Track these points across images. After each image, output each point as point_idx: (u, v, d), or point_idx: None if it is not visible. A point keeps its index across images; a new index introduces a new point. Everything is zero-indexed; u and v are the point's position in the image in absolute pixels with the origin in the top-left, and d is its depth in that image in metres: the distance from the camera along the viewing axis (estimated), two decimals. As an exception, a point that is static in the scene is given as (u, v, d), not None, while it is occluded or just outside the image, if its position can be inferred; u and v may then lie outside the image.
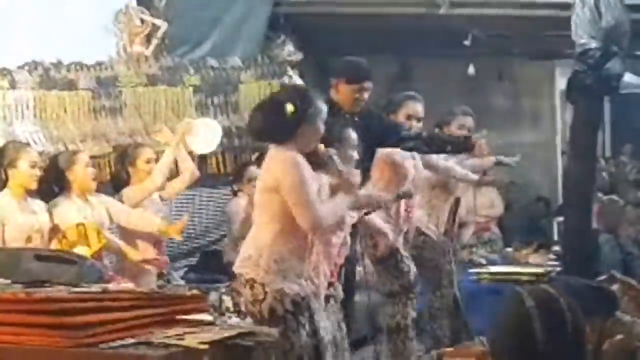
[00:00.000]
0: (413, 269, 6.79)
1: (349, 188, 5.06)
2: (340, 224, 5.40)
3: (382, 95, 7.19)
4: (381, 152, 6.48)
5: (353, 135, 5.56)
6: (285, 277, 4.82)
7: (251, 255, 4.87)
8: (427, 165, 7.05)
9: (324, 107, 4.96)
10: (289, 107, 4.80)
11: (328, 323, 5.19)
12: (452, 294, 7.40)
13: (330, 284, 5.46)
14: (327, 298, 5.43)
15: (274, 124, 4.84)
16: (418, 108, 6.88)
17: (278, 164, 4.81)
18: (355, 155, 5.50)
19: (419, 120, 6.83)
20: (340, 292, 5.63)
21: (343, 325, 5.66)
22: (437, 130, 7.37)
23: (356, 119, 6.14)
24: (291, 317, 4.81)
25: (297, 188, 4.74)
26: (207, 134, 7.39)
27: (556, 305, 2.41)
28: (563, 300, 2.43)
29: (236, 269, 4.96)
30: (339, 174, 5.04)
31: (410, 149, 6.57)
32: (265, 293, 4.80)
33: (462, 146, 6.74)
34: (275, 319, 4.76)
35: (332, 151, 5.08)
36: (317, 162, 5.00)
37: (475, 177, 7.73)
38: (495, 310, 2.57)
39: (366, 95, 6.19)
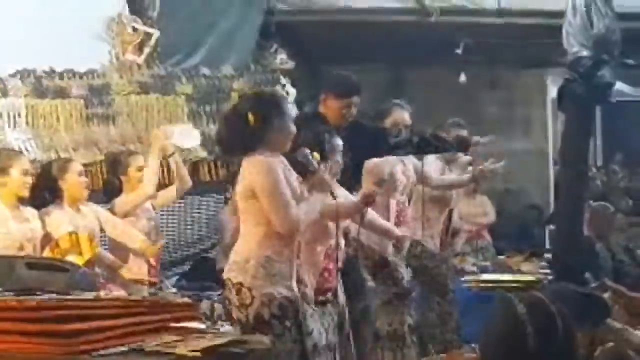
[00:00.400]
0: (407, 276, 6.79)
1: (323, 187, 5.10)
2: (325, 232, 5.41)
3: (374, 104, 7.21)
4: (368, 163, 6.46)
5: (339, 142, 5.57)
6: (273, 281, 4.84)
7: (238, 261, 4.89)
8: (421, 179, 7.02)
9: (290, 109, 5.01)
10: (251, 117, 4.82)
11: (321, 328, 5.20)
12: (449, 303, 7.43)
13: (327, 290, 5.47)
14: (324, 303, 5.44)
15: (240, 134, 4.86)
16: (405, 115, 6.90)
17: (251, 170, 4.83)
18: (340, 161, 5.52)
19: (406, 127, 6.83)
20: (340, 297, 5.61)
21: (345, 330, 5.63)
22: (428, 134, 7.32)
23: (342, 132, 6.13)
24: (277, 321, 4.82)
25: (270, 192, 4.77)
26: (187, 132, 7.37)
27: (547, 311, 2.42)
28: (554, 306, 2.44)
29: (224, 274, 4.98)
30: (314, 173, 5.09)
31: (401, 155, 6.57)
32: (253, 297, 4.82)
33: (457, 147, 6.73)
34: (261, 323, 4.77)
35: (306, 150, 5.11)
36: (293, 162, 5.02)
37: (467, 175, 7.64)
38: (486, 317, 2.57)
39: (354, 110, 6.17)
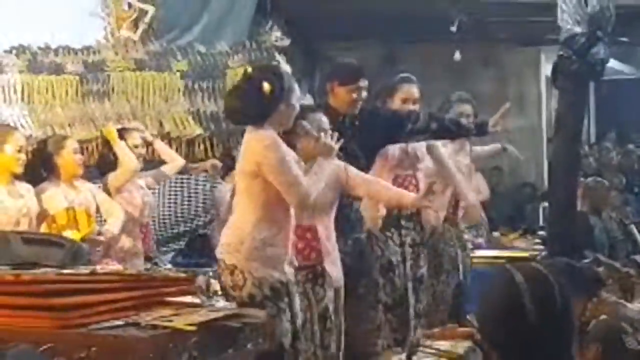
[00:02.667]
0: (393, 250, 6.71)
1: (328, 151, 5.10)
2: (332, 203, 5.42)
3: (370, 80, 7.17)
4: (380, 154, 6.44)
5: (324, 119, 5.53)
6: (265, 264, 4.83)
7: (232, 242, 4.88)
8: (434, 159, 6.96)
9: (296, 86, 4.98)
10: (267, 87, 4.79)
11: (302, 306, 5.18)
12: (456, 279, 7.33)
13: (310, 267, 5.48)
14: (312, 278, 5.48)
15: (252, 105, 4.82)
16: (413, 90, 6.69)
17: (256, 146, 4.79)
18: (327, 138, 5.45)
19: (414, 102, 6.64)
20: (333, 275, 5.60)
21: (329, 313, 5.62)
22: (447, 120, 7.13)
23: (357, 122, 6.06)
24: (270, 303, 4.82)
25: (280, 167, 4.75)
26: None
27: (545, 281, 2.43)
28: (552, 277, 2.46)
29: (217, 254, 4.97)
30: (316, 140, 5.09)
31: (419, 141, 6.49)
32: (245, 279, 4.81)
33: (476, 132, 6.63)
34: (254, 305, 4.75)
35: (303, 122, 5.13)
36: (292, 134, 5.04)
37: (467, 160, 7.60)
38: (483, 288, 2.57)
39: (363, 93, 6.05)
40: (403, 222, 6.76)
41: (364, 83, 6.04)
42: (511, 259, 7.88)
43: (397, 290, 6.67)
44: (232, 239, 4.89)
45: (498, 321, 2.41)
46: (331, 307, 5.53)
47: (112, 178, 6.92)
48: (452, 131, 6.48)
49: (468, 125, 6.65)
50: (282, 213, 4.88)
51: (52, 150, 6.45)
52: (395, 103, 6.60)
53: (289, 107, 4.89)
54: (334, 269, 5.54)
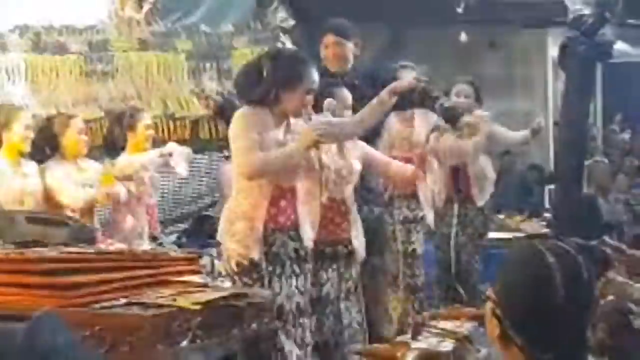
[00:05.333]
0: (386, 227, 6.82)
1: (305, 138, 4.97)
2: (317, 181, 5.37)
3: (375, 62, 7.18)
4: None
5: (347, 94, 5.57)
6: (232, 239, 4.88)
7: (222, 216, 5.04)
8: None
9: (313, 78, 4.93)
10: (265, 73, 4.84)
11: (295, 290, 5.08)
12: (448, 257, 7.42)
13: (334, 242, 5.52)
14: (332, 257, 5.48)
15: (251, 84, 4.90)
16: (411, 76, 6.68)
17: (233, 120, 4.91)
18: (348, 114, 5.49)
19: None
20: (358, 249, 5.62)
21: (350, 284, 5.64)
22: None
23: (345, 79, 6.15)
24: (237, 278, 4.86)
25: (235, 138, 4.83)
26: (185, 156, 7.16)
27: (575, 262, 2.41)
28: (580, 256, 2.44)
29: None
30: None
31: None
32: (220, 252, 5.00)
33: (444, 115, 6.57)
34: (224, 277, 4.94)
35: (328, 99, 5.15)
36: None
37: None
38: (505, 268, 2.52)
39: (356, 51, 6.27)
40: (396, 203, 7.04)
41: (355, 40, 6.29)
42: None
43: (389, 266, 6.83)
44: (223, 213, 5.03)
45: (525, 299, 2.38)
46: (355, 283, 5.62)
47: (122, 166, 6.79)
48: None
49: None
50: (256, 189, 4.87)
51: (57, 130, 6.44)
52: None
53: (293, 96, 4.86)
54: (357, 242, 5.61)
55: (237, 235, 4.86)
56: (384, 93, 5.21)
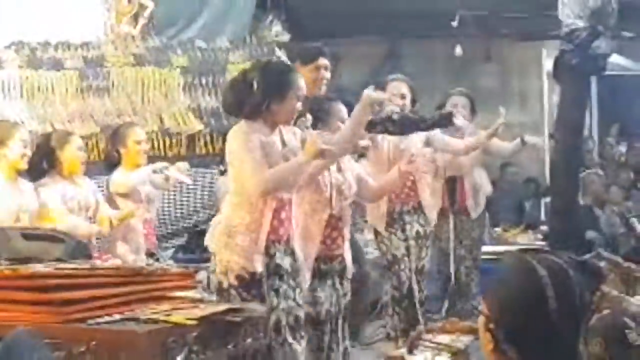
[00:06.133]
0: (396, 244, 6.81)
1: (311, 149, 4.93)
2: (322, 201, 5.41)
3: (371, 76, 7.20)
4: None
5: (342, 108, 5.57)
6: (233, 251, 4.85)
7: (214, 228, 5.01)
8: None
9: (300, 84, 4.95)
10: (255, 84, 4.83)
11: (292, 303, 5.08)
12: (446, 270, 7.43)
13: (331, 258, 5.50)
14: (327, 273, 5.48)
15: (241, 99, 4.87)
16: (401, 86, 6.96)
17: (231, 136, 4.88)
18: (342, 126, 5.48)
19: (403, 97, 6.89)
20: (348, 264, 5.62)
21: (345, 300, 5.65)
22: (436, 112, 7.23)
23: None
24: (235, 292, 4.82)
25: (241, 155, 4.79)
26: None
27: (566, 275, 2.42)
28: (572, 270, 2.45)
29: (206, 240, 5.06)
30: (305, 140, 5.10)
31: (380, 132, 6.46)
32: (216, 265, 4.90)
33: (438, 123, 6.59)
34: (221, 291, 4.81)
35: (306, 116, 5.16)
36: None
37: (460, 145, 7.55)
38: (498, 281, 2.53)
39: (324, 73, 5.99)
40: (406, 218, 6.93)
41: (323, 62, 5.99)
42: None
43: (404, 284, 6.76)
44: (215, 225, 5.00)
45: (517, 312, 2.39)
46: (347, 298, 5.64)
47: (116, 184, 6.80)
48: (415, 120, 6.44)
49: (430, 117, 6.59)
50: (259, 203, 4.86)
51: (55, 145, 6.40)
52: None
53: (284, 105, 4.88)
54: (348, 257, 5.64)
55: (239, 248, 4.84)
56: (362, 103, 5.23)
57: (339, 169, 5.56)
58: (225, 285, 4.83)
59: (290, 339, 4.85)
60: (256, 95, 4.83)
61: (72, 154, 6.42)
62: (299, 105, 4.94)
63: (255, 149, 4.77)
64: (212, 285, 4.89)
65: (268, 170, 4.77)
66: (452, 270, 7.55)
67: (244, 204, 4.86)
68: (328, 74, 6.06)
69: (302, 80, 4.98)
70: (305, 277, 5.21)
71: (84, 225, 6.26)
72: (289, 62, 7.75)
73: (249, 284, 4.85)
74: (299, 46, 6.47)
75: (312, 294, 5.35)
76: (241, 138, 4.80)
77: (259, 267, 4.85)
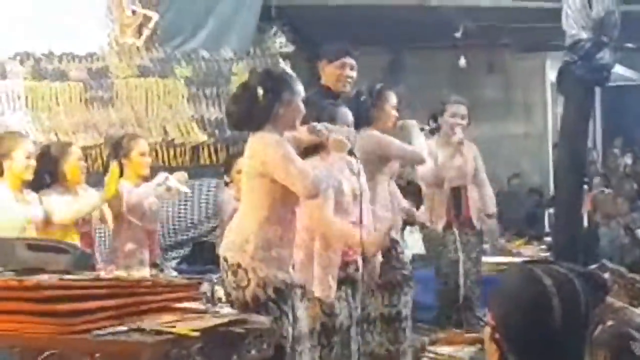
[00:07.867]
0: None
1: (341, 146, 5.09)
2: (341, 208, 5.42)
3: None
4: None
5: (347, 112, 5.57)
6: (270, 265, 4.79)
7: (236, 241, 4.85)
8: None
9: (299, 88, 4.94)
10: (260, 91, 4.80)
11: (304, 313, 5.14)
12: (455, 283, 7.40)
13: (347, 264, 5.49)
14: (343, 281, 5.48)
15: (249, 110, 4.83)
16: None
17: (261, 147, 4.79)
18: (349, 132, 5.47)
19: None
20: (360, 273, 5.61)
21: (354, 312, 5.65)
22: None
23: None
24: (274, 305, 4.78)
25: (284, 162, 4.72)
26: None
27: (571, 286, 2.42)
28: (577, 281, 2.44)
29: (220, 251, 4.94)
30: (326, 139, 5.10)
31: None
32: (249, 280, 4.78)
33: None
34: (258, 305, 4.73)
35: (315, 123, 5.13)
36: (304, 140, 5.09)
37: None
38: (503, 292, 2.53)
39: (350, 72, 6.16)
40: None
41: (349, 61, 6.16)
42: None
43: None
44: (237, 237, 4.86)
45: (522, 323, 2.39)
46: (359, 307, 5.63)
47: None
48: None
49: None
50: (288, 214, 4.86)
51: (56, 156, 6.41)
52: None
53: (290, 109, 4.87)
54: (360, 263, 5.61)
55: (276, 260, 4.81)
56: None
57: (352, 171, 5.52)
58: (262, 298, 4.76)
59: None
60: (262, 103, 4.80)
61: (72, 164, 6.43)
62: (302, 106, 4.94)
63: (293, 155, 4.77)
64: (239, 299, 4.82)
65: (312, 171, 4.77)
66: (461, 282, 7.49)
67: (274, 217, 4.82)
68: (353, 73, 6.21)
69: (301, 86, 4.99)
70: (332, 287, 5.24)
71: (95, 195, 6.36)
72: (278, 68, 7.82)
73: (286, 296, 4.85)
74: (327, 45, 6.49)
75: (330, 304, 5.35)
76: (274, 146, 4.75)
77: (295, 278, 4.91)
